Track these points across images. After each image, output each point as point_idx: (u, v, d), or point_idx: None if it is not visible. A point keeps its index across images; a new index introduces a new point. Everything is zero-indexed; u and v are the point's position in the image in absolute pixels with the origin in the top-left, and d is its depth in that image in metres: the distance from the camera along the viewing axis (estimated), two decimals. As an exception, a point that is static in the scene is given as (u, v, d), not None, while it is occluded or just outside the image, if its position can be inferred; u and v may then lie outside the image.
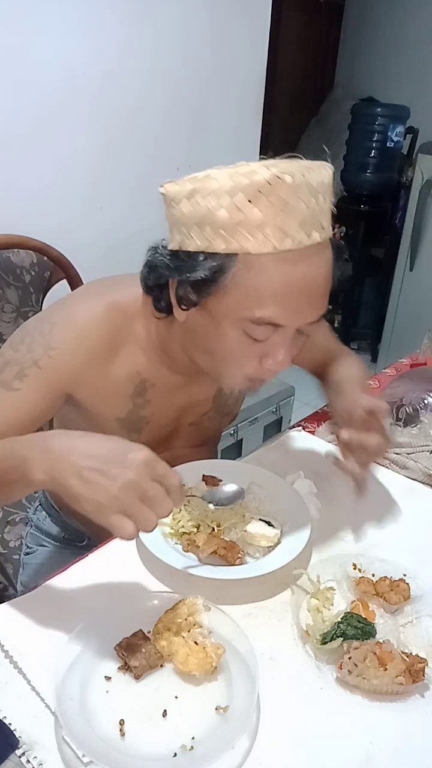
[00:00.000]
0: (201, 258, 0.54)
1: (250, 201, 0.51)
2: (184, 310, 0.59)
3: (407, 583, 0.63)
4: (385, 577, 0.64)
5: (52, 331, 0.62)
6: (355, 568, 0.66)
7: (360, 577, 0.64)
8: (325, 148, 0.66)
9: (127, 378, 0.68)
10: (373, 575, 0.65)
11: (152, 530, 0.49)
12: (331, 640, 0.55)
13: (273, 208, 0.51)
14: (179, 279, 0.57)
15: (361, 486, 0.69)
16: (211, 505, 0.67)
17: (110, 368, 0.66)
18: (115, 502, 0.47)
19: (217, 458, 0.95)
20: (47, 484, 0.50)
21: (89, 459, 0.49)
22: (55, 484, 0.49)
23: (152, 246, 0.61)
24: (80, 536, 0.85)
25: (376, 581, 0.63)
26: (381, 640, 0.56)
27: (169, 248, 0.58)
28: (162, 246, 0.60)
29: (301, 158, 0.55)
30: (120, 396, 0.69)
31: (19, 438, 0.55)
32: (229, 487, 0.70)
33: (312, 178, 0.53)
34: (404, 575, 0.65)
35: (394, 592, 0.61)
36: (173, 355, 0.67)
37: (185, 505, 0.70)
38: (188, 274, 0.55)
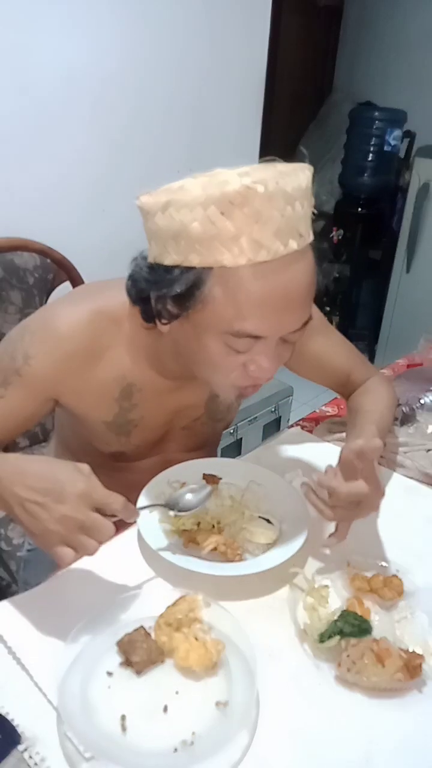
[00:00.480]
0: (177, 272, 0.54)
1: (222, 213, 0.50)
2: (164, 324, 0.59)
3: (400, 579, 0.63)
4: (378, 573, 0.65)
5: (32, 339, 0.64)
6: (348, 566, 0.66)
7: (354, 575, 0.64)
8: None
9: (112, 381, 0.67)
10: (366, 572, 0.66)
11: (94, 553, 0.52)
12: (328, 638, 0.56)
13: (246, 220, 0.50)
14: (157, 294, 0.57)
15: (339, 535, 0.63)
16: (171, 513, 0.65)
17: (93, 372, 0.66)
18: (53, 534, 0.51)
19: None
20: (4, 512, 0.54)
21: (30, 491, 0.51)
22: (5, 509, 0.53)
23: (134, 257, 0.61)
24: None
25: (370, 578, 0.64)
26: (378, 637, 0.56)
27: (147, 261, 0.58)
28: (141, 258, 0.60)
29: (279, 161, 0.54)
30: (105, 400, 0.68)
31: None
32: (193, 492, 0.66)
33: (287, 185, 0.51)
34: (397, 571, 0.65)
35: (387, 588, 0.62)
36: (164, 362, 0.67)
37: (150, 513, 0.68)
38: (165, 289, 0.55)
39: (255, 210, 0.50)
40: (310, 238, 0.55)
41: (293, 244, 0.52)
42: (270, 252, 0.51)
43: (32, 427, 0.68)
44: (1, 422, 0.65)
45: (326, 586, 0.62)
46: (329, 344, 0.81)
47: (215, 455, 0.93)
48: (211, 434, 0.82)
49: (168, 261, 0.55)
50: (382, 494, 0.61)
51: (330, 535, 0.65)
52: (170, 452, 0.80)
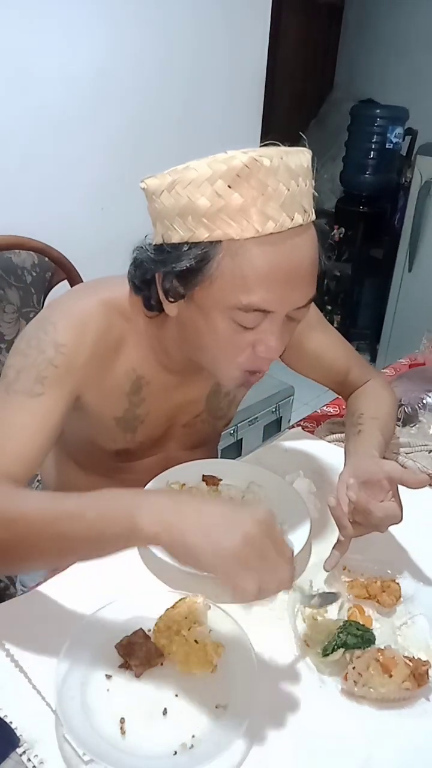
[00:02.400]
0: (185, 248, 0.54)
1: (229, 186, 0.51)
2: (171, 302, 0.59)
3: (398, 584, 0.63)
4: (376, 578, 0.64)
5: (56, 329, 0.62)
6: (344, 570, 0.66)
7: (351, 580, 0.64)
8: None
9: (124, 375, 0.67)
10: (363, 575, 0.65)
11: (274, 594, 0.46)
12: (332, 651, 0.55)
13: (253, 192, 0.51)
14: (165, 271, 0.56)
15: (342, 549, 0.63)
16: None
17: (110, 365, 0.65)
18: (235, 553, 0.44)
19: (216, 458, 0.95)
20: (158, 538, 0.46)
21: (207, 514, 0.46)
22: (169, 537, 0.45)
23: (137, 246, 0.61)
24: None
25: (367, 583, 0.63)
26: (382, 647, 0.56)
27: (153, 243, 0.58)
28: (147, 243, 0.60)
29: (279, 145, 0.55)
30: (119, 394, 0.68)
31: (109, 491, 0.50)
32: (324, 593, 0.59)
33: (290, 161, 0.52)
34: (394, 575, 0.65)
35: (386, 593, 0.61)
36: (167, 353, 0.67)
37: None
38: (173, 265, 0.55)
39: (261, 182, 0.51)
40: (313, 216, 0.56)
41: (299, 218, 0.53)
42: (277, 224, 0.52)
43: (59, 434, 0.63)
44: (49, 423, 0.59)
45: None
46: (328, 342, 0.82)
47: (215, 455, 0.93)
48: (211, 432, 0.82)
49: (175, 238, 0.55)
50: (402, 509, 0.62)
51: (333, 551, 0.63)
52: (171, 451, 0.79)
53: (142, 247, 0.60)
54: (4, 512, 0.51)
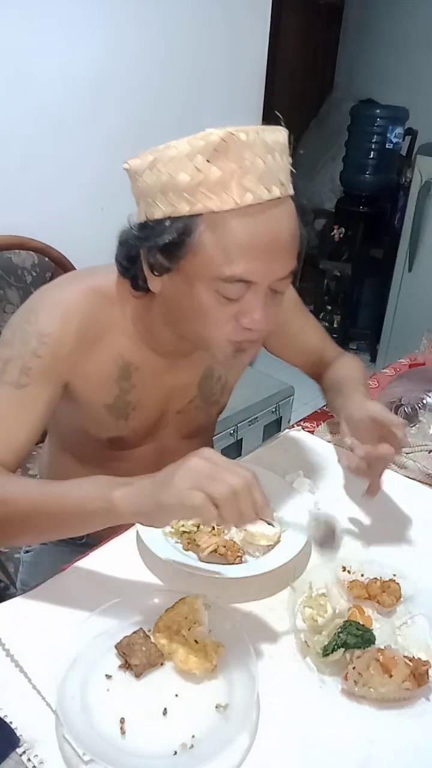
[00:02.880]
0: (167, 223, 0.56)
1: (208, 161, 0.53)
2: (157, 276, 0.60)
3: (398, 584, 0.63)
4: (376, 578, 0.64)
5: (39, 318, 0.63)
6: (344, 570, 0.66)
7: (351, 581, 0.64)
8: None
9: (112, 361, 0.68)
10: (363, 575, 0.65)
11: (240, 510, 0.50)
12: (332, 651, 0.55)
13: (231, 165, 0.53)
14: (149, 246, 0.58)
15: (375, 489, 0.71)
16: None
17: (96, 352, 0.66)
18: (181, 487, 0.49)
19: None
20: (126, 505, 0.52)
21: (160, 475, 0.53)
22: (138, 501, 0.52)
23: (122, 230, 0.63)
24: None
25: (367, 583, 0.63)
26: (382, 646, 0.56)
27: (137, 222, 0.60)
28: (131, 223, 0.61)
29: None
30: (107, 381, 0.69)
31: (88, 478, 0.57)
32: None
33: (266, 137, 0.54)
34: (394, 575, 0.65)
35: (386, 593, 0.61)
36: (156, 335, 0.68)
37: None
38: (157, 239, 0.56)
39: (239, 156, 0.53)
40: (291, 190, 0.58)
41: (276, 191, 0.55)
42: (255, 196, 0.54)
43: (47, 423, 0.66)
44: (35, 414, 0.62)
45: (323, 595, 0.62)
46: (306, 325, 0.86)
47: (210, 444, 0.93)
48: (205, 419, 0.82)
49: (158, 214, 0.56)
50: (402, 446, 0.70)
51: (366, 493, 0.71)
52: (165, 439, 0.79)
53: (126, 228, 0.62)
54: (6, 497, 0.57)
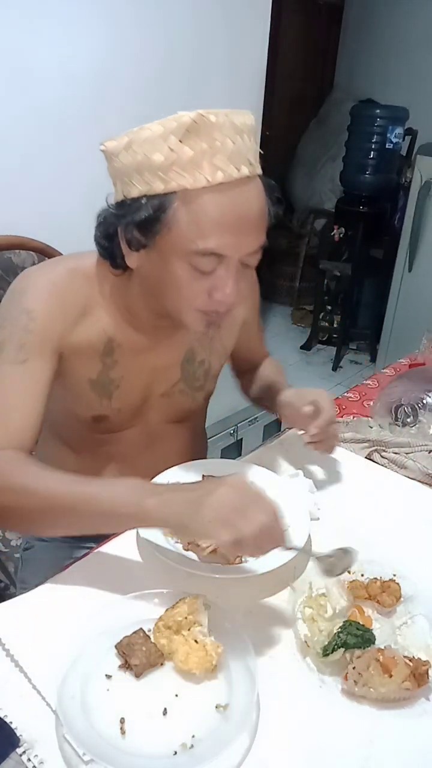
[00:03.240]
0: (143, 201, 0.59)
1: (181, 141, 0.56)
2: (134, 251, 0.63)
3: (398, 584, 0.63)
4: (376, 578, 0.64)
5: (23, 297, 0.66)
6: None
7: (351, 581, 0.64)
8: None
9: (96, 336, 0.70)
10: (363, 575, 0.65)
11: (263, 545, 0.54)
12: (332, 651, 0.55)
13: (203, 145, 0.56)
14: (126, 223, 0.61)
15: (330, 449, 0.81)
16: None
17: (82, 326, 0.69)
18: (210, 518, 0.52)
19: (204, 439, 0.95)
20: (156, 514, 0.55)
21: (193, 490, 0.56)
22: (168, 516, 0.55)
23: (101, 210, 0.66)
24: None
25: (367, 583, 0.63)
26: (382, 646, 0.56)
27: (115, 202, 0.63)
28: (109, 204, 0.65)
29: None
30: (92, 355, 0.71)
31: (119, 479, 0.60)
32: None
33: (234, 119, 0.58)
34: (393, 575, 0.65)
35: (386, 593, 0.61)
36: (135, 312, 0.70)
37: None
38: (133, 216, 0.60)
39: (210, 136, 0.56)
40: (259, 170, 0.62)
41: (245, 170, 0.59)
42: (226, 174, 0.57)
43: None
44: (38, 387, 0.65)
45: (323, 595, 0.62)
46: (257, 332, 0.93)
47: (201, 432, 0.93)
48: (191, 404, 0.83)
49: (134, 193, 0.60)
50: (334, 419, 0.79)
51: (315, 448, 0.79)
52: (152, 423, 0.80)
53: (104, 208, 0.66)
54: (28, 486, 0.59)
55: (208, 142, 0.56)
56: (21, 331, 0.64)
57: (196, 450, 0.89)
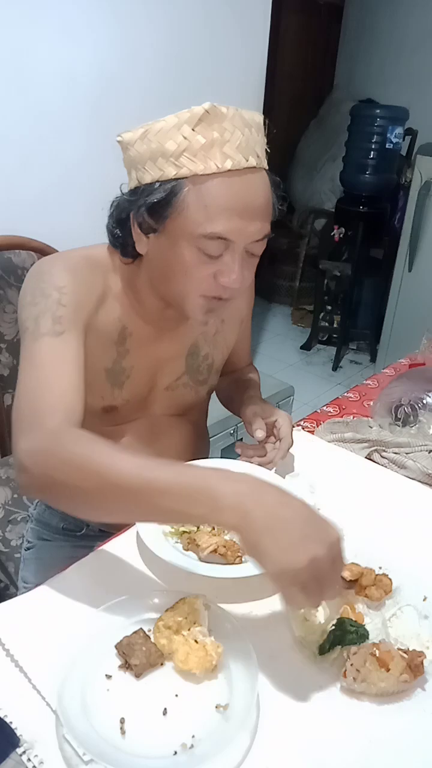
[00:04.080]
0: (156, 185, 0.62)
1: (193, 129, 0.59)
2: (145, 236, 0.65)
3: (390, 579, 0.63)
4: (371, 569, 0.64)
5: (51, 277, 0.66)
6: None
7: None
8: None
9: (112, 323, 0.72)
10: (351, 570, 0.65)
11: (315, 606, 0.52)
12: (329, 650, 0.55)
13: (214, 134, 0.59)
14: (138, 206, 0.63)
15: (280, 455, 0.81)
16: None
17: (102, 311, 0.70)
18: (297, 574, 0.47)
19: (206, 434, 0.95)
20: (237, 528, 0.49)
21: (282, 522, 0.48)
22: (246, 531, 0.48)
23: (114, 198, 0.69)
24: (79, 524, 0.86)
25: (364, 572, 0.63)
26: (377, 641, 0.56)
27: (129, 189, 0.66)
28: (122, 192, 0.68)
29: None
30: (108, 342, 0.72)
31: (189, 465, 0.54)
32: None
33: (244, 114, 0.62)
34: (380, 568, 0.65)
35: (375, 587, 0.62)
36: (143, 301, 0.72)
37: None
38: (146, 199, 0.62)
39: (220, 126, 0.60)
40: (265, 164, 0.65)
41: (252, 161, 0.62)
42: (234, 162, 0.60)
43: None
44: (77, 359, 0.64)
45: None
46: (246, 337, 0.95)
47: (203, 426, 0.93)
48: (194, 398, 0.84)
49: (147, 179, 0.63)
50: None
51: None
52: (155, 415, 0.82)
53: (118, 196, 0.68)
54: (91, 464, 0.53)
55: (219, 131, 0.59)
56: (55, 304, 0.64)
57: (198, 444, 0.90)
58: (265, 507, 0.49)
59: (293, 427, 0.85)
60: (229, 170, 0.60)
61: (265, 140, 0.65)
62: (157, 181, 0.61)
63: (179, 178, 0.61)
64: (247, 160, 0.61)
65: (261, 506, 0.49)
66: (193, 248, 0.63)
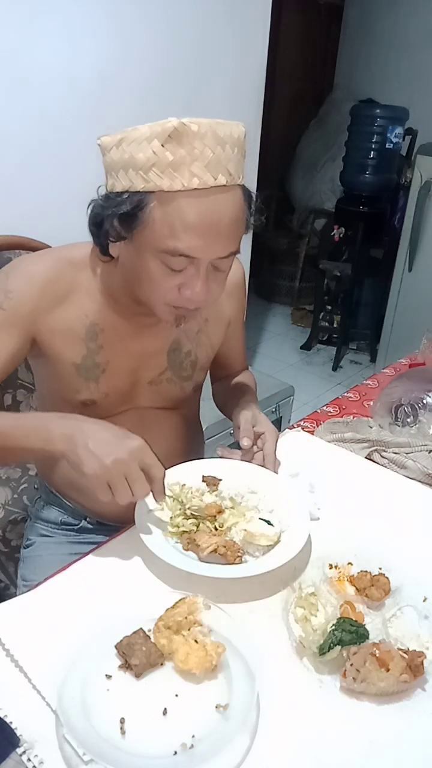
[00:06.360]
0: (125, 196, 0.63)
1: (163, 145, 0.59)
2: (113, 242, 0.67)
3: (387, 578, 0.63)
4: (366, 571, 0.64)
5: (7, 278, 0.72)
6: (331, 568, 0.66)
7: (338, 578, 0.64)
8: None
9: (77, 320, 0.73)
10: (350, 568, 0.65)
11: (125, 504, 0.62)
12: (329, 650, 0.55)
13: (182, 152, 0.59)
14: (109, 214, 0.65)
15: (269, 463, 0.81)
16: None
17: (62, 311, 0.72)
18: (105, 472, 0.60)
19: (198, 427, 0.95)
20: (63, 449, 0.62)
21: (96, 438, 0.62)
22: (68, 450, 0.62)
23: (92, 199, 0.69)
24: (77, 517, 0.87)
25: (357, 575, 0.64)
26: (377, 640, 0.56)
27: (105, 193, 0.67)
28: (98, 194, 0.69)
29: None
30: (74, 339, 0.74)
31: (31, 413, 0.66)
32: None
33: (219, 130, 0.60)
34: (380, 569, 0.65)
35: (375, 587, 0.62)
36: (118, 298, 0.74)
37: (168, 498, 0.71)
38: (115, 209, 0.64)
39: (190, 144, 0.59)
40: (240, 180, 0.64)
41: (222, 179, 0.61)
42: (201, 181, 0.60)
43: (12, 370, 0.74)
44: (1, 354, 0.70)
45: (313, 594, 0.62)
46: (240, 345, 0.95)
47: (195, 419, 0.93)
48: (179, 394, 0.85)
49: (118, 187, 0.64)
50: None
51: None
52: (143, 409, 0.82)
53: (95, 198, 0.69)
54: None
55: (188, 149, 0.59)
56: None
57: (190, 437, 0.90)
58: (85, 432, 0.62)
59: (293, 427, 0.84)
60: (196, 188, 0.60)
61: (244, 155, 0.64)
62: (127, 192, 0.62)
63: (146, 192, 0.61)
64: (216, 179, 0.60)
65: (82, 432, 0.62)
66: (158, 261, 0.64)
